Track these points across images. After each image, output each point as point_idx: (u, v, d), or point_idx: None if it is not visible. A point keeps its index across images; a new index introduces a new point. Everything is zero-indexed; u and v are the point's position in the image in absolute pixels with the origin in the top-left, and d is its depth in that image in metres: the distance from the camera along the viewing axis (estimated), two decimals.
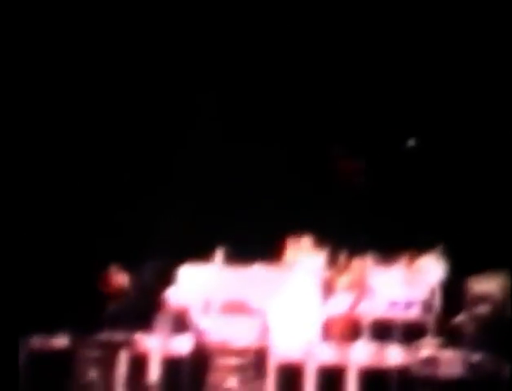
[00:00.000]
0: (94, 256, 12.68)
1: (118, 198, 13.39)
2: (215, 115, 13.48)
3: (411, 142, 13.59)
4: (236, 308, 11.88)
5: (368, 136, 13.63)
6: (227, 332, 11.69)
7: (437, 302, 11.97)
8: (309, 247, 11.94)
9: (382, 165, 13.63)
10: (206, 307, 11.96)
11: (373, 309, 11.98)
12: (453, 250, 12.16)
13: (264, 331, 11.65)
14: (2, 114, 12.91)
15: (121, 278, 12.40)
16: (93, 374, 11.66)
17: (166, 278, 12.26)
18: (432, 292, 12.01)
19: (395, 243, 12.33)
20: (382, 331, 11.78)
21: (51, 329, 11.84)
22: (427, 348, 11.32)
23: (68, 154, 13.30)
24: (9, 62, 12.82)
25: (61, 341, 11.83)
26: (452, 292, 11.97)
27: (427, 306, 11.96)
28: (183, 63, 13.34)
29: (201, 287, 12.05)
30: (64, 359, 11.65)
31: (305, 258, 11.87)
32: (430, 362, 11.18)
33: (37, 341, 11.87)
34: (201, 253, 12.01)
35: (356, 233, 12.43)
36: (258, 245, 11.86)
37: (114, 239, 12.89)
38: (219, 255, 12.05)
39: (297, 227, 12.07)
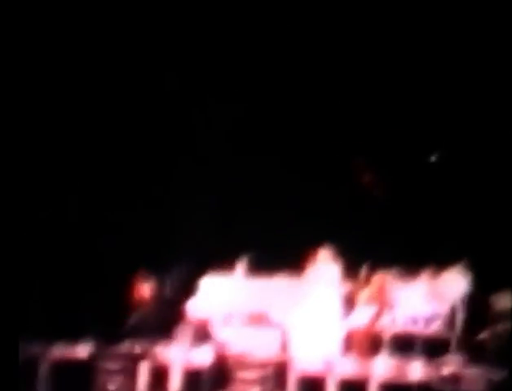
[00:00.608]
0: (117, 266, 12.74)
1: (144, 208, 13.44)
2: (238, 125, 13.52)
3: (436, 156, 13.52)
4: (257, 320, 11.87)
5: (392, 149, 13.59)
6: (248, 344, 11.68)
7: (460, 318, 11.89)
8: (329, 259, 11.91)
9: (406, 179, 13.59)
10: (227, 318, 11.98)
11: (395, 323, 11.94)
12: (477, 266, 12.08)
13: (285, 343, 11.64)
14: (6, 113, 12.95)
15: (144, 288, 12.44)
16: (114, 385, 11.71)
17: (188, 290, 12.29)
18: (455, 308, 11.92)
19: (417, 258, 12.28)
20: (404, 345, 11.70)
21: (73, 339, 11.90)
22: (450, 364, 11.24)
23: (97, 163, 13.38)
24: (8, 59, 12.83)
25: (82, 352, 11.89)
26: (476, 308, 11.89)
27: (450, 322, 11.88)
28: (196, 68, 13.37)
29: (223, 299, 12.06)
30: (85, 370, 11.71)
31: (325, 270, 11.84)
32: (453, 378, 11.10)
33: (58, 351, 11.93)
34: (224, 264, 12.03)
35: (378, 246, 12.40)
36: (280, 256, 11.86)
37: (138, 249, 12.94)
38: (242, 265, 12.07)
39: (320, 239, 12.05)
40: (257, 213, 13.14)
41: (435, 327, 11.86)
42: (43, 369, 11.72)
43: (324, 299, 11.70)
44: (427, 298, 12.05)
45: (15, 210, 12.83)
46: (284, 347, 11.64)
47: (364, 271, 12.16)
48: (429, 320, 11.91)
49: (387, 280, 12.04)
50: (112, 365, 11.73)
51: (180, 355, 11.71)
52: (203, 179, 13.45)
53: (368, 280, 12.12)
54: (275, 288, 11.93)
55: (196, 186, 13.48)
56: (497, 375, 10.96)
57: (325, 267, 11.96)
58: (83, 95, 13.24)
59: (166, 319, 12.12)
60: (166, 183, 13.59)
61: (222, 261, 12.03)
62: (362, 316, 11.96)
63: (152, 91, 13.39)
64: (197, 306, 12.14)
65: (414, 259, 12.22)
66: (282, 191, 13.21)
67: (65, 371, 11.67)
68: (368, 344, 11.77)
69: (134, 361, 11.72)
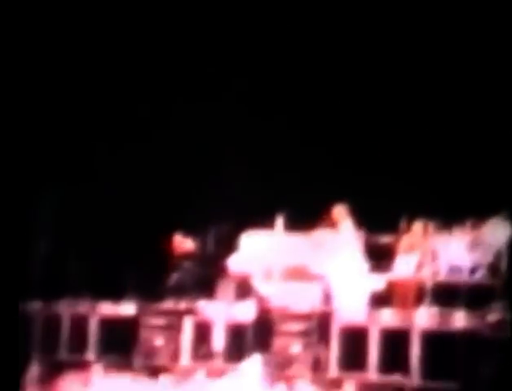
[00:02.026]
0: (159, 224, 12.85)
1: (183, 167, 13.50)
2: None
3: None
4: (298, 273, 11.90)
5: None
6: (290, 298, 11.73)
7: (504, 265, 11.77)
8: (345, 214, 11.90)
9: (446, 130, 13.43)
10: (269, 273, 12.03)
11: (438, 273, 11.87)
12: None
13: (327, 295, 11.66)
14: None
15: (186, 246, 12.54)
16: (159, 340, 11.86)
17: (229, 246, 12.35)
18: (498, 256, 11.81)
19: (460, 208, 12.16)
20: (447, 295, 11.64)
21: (119, 297, 12.09)
22: (495, 312, 11.15)
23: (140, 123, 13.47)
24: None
25: (128, 309, 12.07)
26: None
27: (494, 270, 11.78)
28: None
29: (263, 254, 12.12)
30: (131, 326, 11.88)
31: (346, 225, 11.83)
32: (498, 325, 11.02)
33: (105, 309, 12.13)
34: (263, 220, 12.06)
35: (419, 197, 12.30)
36: (315, 212, 11.86)
37: (179, 207, 13.02)
38: (280, 222, 12.09)
39: (358, 191, 12.03)
40: (293, 170, 13.13)
41: (479, 276, 11.76)
42: (92, 326, 11.94)
43: (358, 251, 11.69)
44: (470, 247, 11.94)
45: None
46: (326, 299, 11.66)
47: (404, 222, 12.09)
48: (472, 269, 11.81)
49: (428, 228, 11.96)
50: (156, 321, 11.89)
51: (223, 311, 11.82)
52: (243, 140, 13.46)
53: (408, 230, 12.05)
54: (313, 242, 11.93)
55: (234, 145, 13.49)
56: None
57: (345, 222, 11.95)
58: None
59: (208, 276, 12.22)
60: (204, 142, 13.63)
61: (261, 217, 12.06)
62: (404, 266, 11.92)
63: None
64: (239, 262, 12.21)
65: (456, 209, 12.10)
66: (316, 147, 13.16)
67: (112, 327, 11.88)
68: (411, 294, 11.73)
69: (178, 317, 11.87)
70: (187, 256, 12.46)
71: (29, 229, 12.60)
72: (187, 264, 12.39)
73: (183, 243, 12.50)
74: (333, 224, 11.98)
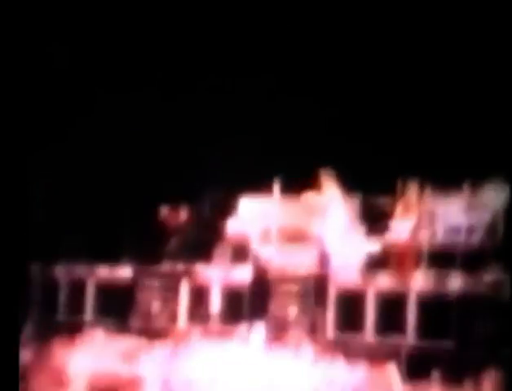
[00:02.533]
0: (155, 190, 12.85)
1: (177, 135, 13.49)
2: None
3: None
4: (294, 237, 11.91)
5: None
6: (287, 261, 11.75)
7: (501, 227, 11.76)
8: (333, 178, 11.92)
9: (446, 94, 13.37)
10: (265, 237, 12.04)
11: (435, 236, 11.86)
12: None
13: (323, 258, 11.68)
14: None
15: (181, 212, 12.55)
16: (155, 303, 11.90)
17: (225, 210, 12.36)
18: (495, 218, 11.80)
19: (458, 170, 12.14)
20: (444, 257, 11.65)
21: (116, 260, 12.12)
22: (491, 272, 11.15)
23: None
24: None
25: (125, 272, 12.10)
26: None
27: (491, 232, 11.77)
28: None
29: (260, 218, 12.13)
30: (129, 288, 11.93)
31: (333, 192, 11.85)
32: (495, 285, 11.03)
33: (103, 272, 12.17)
34: (259, 185, 12.05)
35: (415, 160, 12.28)
36: (308, 177, 11.87)
37: (174, 173, 13.02)
38: (276, 186, 12.08)
39: (352, 155, 12.03)
40: (289, 136, 13.10)
41: (476, 238, 11.75)
42: (90, 289, 11.99)
43: (344, 214, 11.70)
44: (468, 209, 11.92)
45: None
46: (322, 262, 11.68)
47: (400, 184, 12.07)
48: (470, 230, 11.80)
49: (425, 191, 11.94)
50: (154, 283, 11.93)
51: (220, 273, 11.85)
52: (237, 110, 13.43)
53: (404, 193, 12.03)
54: (308, 206, 11.94)
55: (232, 114, 13.47)
56: None
57: (331, 187, 11.96)
58: None
59: (205, 239, 12.23)
60: (200, 111, 13.60)
61: (257, 182, 12.06)
62: (400, 229, 11.91)
63: None
64: (235, 226, 12.23)
65: (454, 172, 12.07)
66: (311, 112, 13.12)
67: (109, 290, 11.93)
68: (408, 256, 11.73)
69: (175, 279, 11.90)
70: (184, 222, 12.48)
71: (28, 195, 12.61)
72: (184, 229, 12.42)
73: (181, 209, 12.52)
74: (319, 188, 12.00)
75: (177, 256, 12.18)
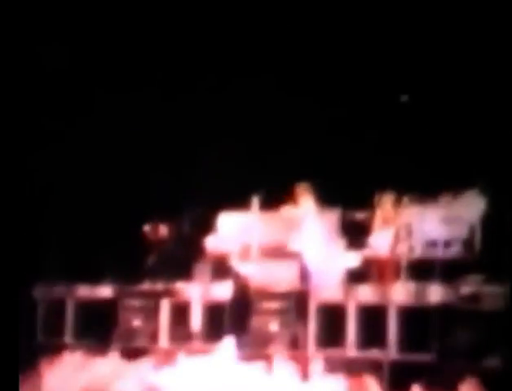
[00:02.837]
0: (135, 208, 12.86)
1: (156, 152, 13.52)
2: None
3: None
4: (274, 252, 11.95)
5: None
6: (267, 277, 11.78)
7: (478, 239, 11.86)
8: (308, 191, 12.00)
9: (422, 105, 13.47)
10: (245, 253, 12.07)
11: (413, 248, 11.95)
12: (493, 186, 12.01)
13: (303, 273, 11.72)
14: None
15: (160, 230, 12.56)
16: (137, 322, 11.89)
17: (205, 227, 12.38)
18: (473, 230, 11.90)
19: (434, 182, 12.24)
20: (423, 270, 11.74)
21: (96, 280, 12.11)
22: (469, 285, 11.25)
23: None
24: None
25: (105, 291, 12.09)
26: (493, 229, 11.84)
27: (468, 244, 11.87)
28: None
29: (239, 234, 12.15)
30: (109, 308, 11.91)
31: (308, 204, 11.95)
32: (473, 298, 11.13)
33: (83, 291, 12.15)
34: (237, 201, 12.10)
35: (393, 172, 12.36)
36: (286, 192, 11.95)
37: (153, 190, 13.04)
38: (255, 202, 12.12)
39: (329, 167, 12.12)
40: (267, 152, 13.16)
41: (454, 250, 11.85)
42: (69, 309, 11.97)
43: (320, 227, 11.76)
44: (445, 221, 12.02)
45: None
46: (303, 277, 11.72)
47: (377, 197, 12.15)
48: (447, 243, 11.89)
49: (401, 203, 12.03)
50: (134, 302, 11.93)
51: (200, 291, 11.86)
52: (214, 124, 13.47)
53: (381, 204, 12.10)
54: (287, 221, 11.99)
55: (210, 130, 13.50)
56: None
57: (306, 200, 12.06)
58: None
59: (185, 257, 12.25)
60: (180, 128, 13.63)
61: (235, 198, 12.11)
62: (379, 242, 11.98)
63: None
64: (215, 243, 12.25)
65: (431, 183, 12.17)
66: (287, 126, 13.18)
67: (90, 309, 11.91)
68: (387, 269, 11.81)
69: (155, 298, 11.90)
70: (164, 238, 12.48)
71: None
72: (164, 246, 12.42)
73: (160, 226, 12.53)
74: (297, 203, 12.08)
75: (156, 273, 12.19)
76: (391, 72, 13.14)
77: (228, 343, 11.16)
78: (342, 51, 13.10)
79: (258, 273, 11.82)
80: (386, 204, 12.01)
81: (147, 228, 12.47)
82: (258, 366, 11.24)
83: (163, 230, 12.53)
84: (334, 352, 11.25)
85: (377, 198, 12.09)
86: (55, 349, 11.76)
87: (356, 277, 11.72)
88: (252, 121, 13.16)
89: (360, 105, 13.21)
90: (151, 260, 12.36)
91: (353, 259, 11.75)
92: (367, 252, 11.93)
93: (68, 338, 11.97)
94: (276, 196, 11.97)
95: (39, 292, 12.31)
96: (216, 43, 13.50)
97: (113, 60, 13.54)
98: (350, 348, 11.22)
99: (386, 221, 11.96)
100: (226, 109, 13.32)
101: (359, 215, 12.15)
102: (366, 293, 11.44)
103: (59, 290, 12.19)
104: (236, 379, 10.82)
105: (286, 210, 12.15)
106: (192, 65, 13.67)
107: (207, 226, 12.29)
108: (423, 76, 13.05)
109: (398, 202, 12.01)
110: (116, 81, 13.58)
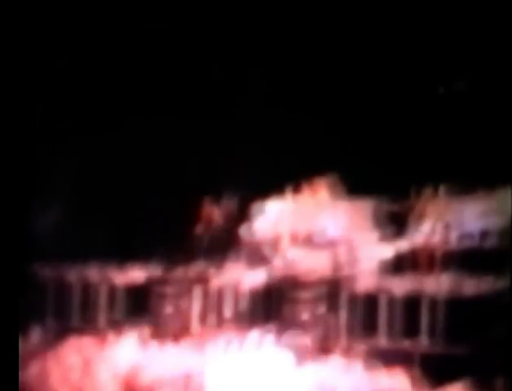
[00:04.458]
0: (170, 193, 12.91)
1: (197, 139, 13.52)
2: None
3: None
4: (307, 241, 11.93)
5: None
6: (300, 265, 11.76)
7: None
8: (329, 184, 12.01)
9: (462, 99, 13.33)
10: (279, 241, 12.06)
11: (449, 239, 11.84)
12: None
13: (337, 263, 11.67)
14: None
15: (199, 216, 12.60)
16: (170, 308, 11.94)
17: (241, 215, 12.40)
18: (508, 222, 11.75)
19: (472, 174, 12.11)
20: (458, 262, 11.63)
21: (130, 265, 12.18)
22: (504, 277, 11.12)
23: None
24: None
25: (139, 277, 12.15)
26: None
27: (504, 236, 11.73)
28: None
29: (273, 223, 12.15)
30: (142, 294, 11.98)
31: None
32: (508, 290, 11.00)
33: (117, 277, 12.23)
34: (271, 190, 12.10)
35: (431, 165, 12.26)
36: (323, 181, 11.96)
37: (192, 178, 13.06)
38: (289, 191, 12.12)
39: (371, 159, 12.05)
40: (303, 141, 13.13)
41: (490, 242, 11.72)
42: (102, 294, 12.05)
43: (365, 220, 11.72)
44: (482, 214, 11.90)
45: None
46: (336, 266, 11.68)
47: (416, 189, 12.06)
48: (483, 235, 11.77)
49: (440, 196, 11.93)
50: (168, 289, 11.97)
51: (235, 278, 11.87)
52: (252, 113, 13.48)
53: (420, 197, 12.02)
54: (322, 210, 11.95)
55: (247, 119, 13.51)
56: None
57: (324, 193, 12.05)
58: None
59: (221, 243, 12.27)
60: (220, 117, 13.65)
61: (270, 187, 12.10)
62: (415, 234, 11.89)
63: None
64: (250, 230, 12.26)
65: (468, 176, 12.04)
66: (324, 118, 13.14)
67: (122, 295, 11.98)
68: (423, 261, 11.72)
69: (189, 284, 11.93)
70: (201, 225, 12.52)
71: (41, 194, 12.72)
72: (200, 232, 12.46)
73: (197, 213, 12.57)
74: (329, 192, 12.07)
75: (192, 259, 12.23)
76: (431, 61, 13.01)
77: (259, 331, 11.17)
78: (378, 40, 13.01)
79: (291, 261, 11.80)
80: (423, 196, 11.93)
81: (184, 215, 12.53)
82: (289, 355, 11.24)
83: (199, 217, 12.58)
84: (366, 342, 11.19)
85: (415, 190, 12.01)
86: (88, 331, 11.88)
87: (390, 267, 11.65)
88: (289, 110, 13.13)
89: (402, 97, 13.10)
90: (187, 246, 12.38)
91: (387, 250, 11.67)
92: (403, 243, 11.86)
93: (101, 322, 12.07)
94: (310, 186, 11.94)
95: (73, 276, 12.43)
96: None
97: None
98: (383, 338, 11.15)
99: (423, 213, 11.87)
100: (261, 100, 13.31)
101: (395, 206, 12.07)
102: (400, 284, 11.37)
103: (92, 275, 12.29)
104: (267, 367, 10.83)
105: (320, 200, 12.11)
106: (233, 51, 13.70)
107: (242, 215, 12.31)
108: (465, 67, 12.91)
109: (435, 194, 11.92)
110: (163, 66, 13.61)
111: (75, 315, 12.09)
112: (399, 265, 11.75)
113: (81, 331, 11.51)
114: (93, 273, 12.18)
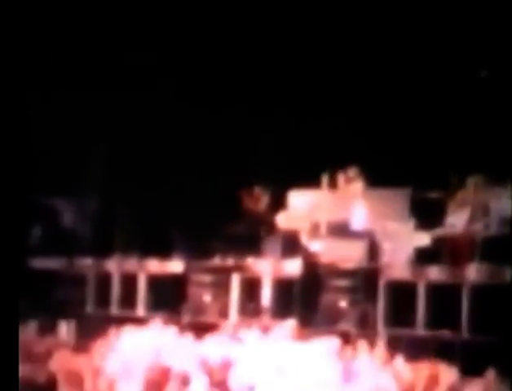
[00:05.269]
0: (208, 183, 12.98)
1: (231, 128, 13.56)
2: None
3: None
4: (344, 230, 11.89)
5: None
6: (337, 254, 11.74)
7: None
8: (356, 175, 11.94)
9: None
10: (315, 230, 12.04)
11: (488, 227, 11.70)
12: None
13: (373, 251, 11.62)
14: None
15: (236, 204, 12.64)
16: (207, 297, 12.02)
17: (277, 204, 12.40)
18: None
19: (507, 163, 11.94)
20: (497, 250, 11.48)
21: (167, 254, 12.29)
22: None
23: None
24: None
25: (176, 266, 12.25)
26: None
27: None
28: None
29: (310, 211, 12.13)
30: (179, 284, 12.07)
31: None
32: None
33: (154, 266, 12.34)
34: (307, 179, 12.09)
35: (466, 153, 12.13)
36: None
37: (229, 166, 13.10)
38: (325, 180, 12.09)
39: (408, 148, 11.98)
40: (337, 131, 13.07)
41: None
42: (140, 283, 12.18)
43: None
44: None
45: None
46: (372, 255, 11.63)
47: (454, 177, 11.93)
48: None
49: (479, 184, 11.79)
50: (205, 278, 12.05)
51: (271, 267, 11.90)
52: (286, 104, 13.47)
53: (459, 185, 11.89)
54: (359, 199, 11.91)
55: (281, 109, 13.49)
56: None
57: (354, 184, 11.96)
58: None
59: (256, 232, 12.30)
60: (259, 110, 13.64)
61: (306, 175, 12.09)
62: (454, 222, 11.78)
63: None
64: (286, 219, 12.26)
65: (508, 164, 11.88)
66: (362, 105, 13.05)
67: (160, 284, 12.09)
68: (462, 249, 11.60)
69: (226, 273, 11.99)
70: (237, 213, 12.56)
71: (79, 186, 12.88)
72: (236, 221, 12.50)
73: (234, 202, 12.61)
74: (350, 182, 12.03)
75: (228, 248, 12.27)
76: (469, 47, 12.84)
77: (293, 320, 11.19)
78: (404, 31, 12.90)
79: (327, 250, 11.78)
80: (464, 185, 11.81)
81: (222, 204, 12.59)
82: (326, 344, 11.22)
83: (236, 206, 12.61)
84: (403, 331, 11.14)
85: (452, 178, 11.89)
86: (128, 321, 12.01)
87: (427, 256, 11.56)
88: (324, 99, 13.08)
89: (439, 85, 12.96)
90: (223, 234, 12.43)
91: (424, 238, 11.59)
92: (440, 232, 11.75)
93: (139, 311, 12.20)
94: (345, 175, 11.92)
95: (113, 266, 12.57)
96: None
97: None
98: (420, 328, 11.09)
99: (461, 202, 11.75)
100: (295, 89, 13.29)
101: (432, 194, 11.96)
102: (437, 272, 11.27)
103: (131, 264, 12.42)
104: (301, 356, 10.83)
105: (354, 188, 12.07)
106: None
107: (279, 204, 12.32)
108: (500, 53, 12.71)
109: (476, 183, 11.78)
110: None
111: (115, 305, 12.27)
112: (438, 253, 11.66)
113: (121, 320, 11.65)
114: (132, 263, 12.33)
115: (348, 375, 10.01)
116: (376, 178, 12.01)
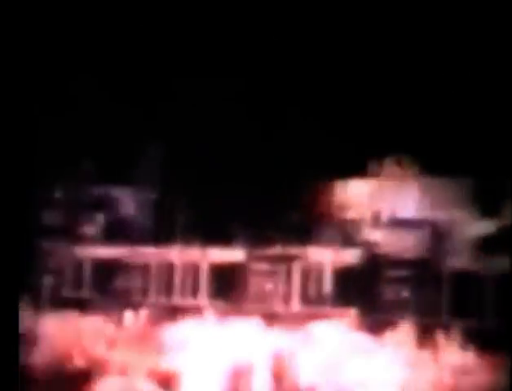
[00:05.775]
0: (266, 175, 12.98)
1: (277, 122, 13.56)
2: None
3: None
4: (404, 220, 11.84)
5: None
6: (397, 244, 11.69)
7: None
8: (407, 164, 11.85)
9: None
10: (375, 220, 12.01)
11: None
12: None
13: (434, 241, 11.55)
14: None
15: (300, 195, 12.67)
16: (269, 285, 12.07)
17: (333, 195, 12.39)
18: None
19: None
20: None
21: (228, 243, 12.34)
22: None
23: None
24: None
25: (237, 255, 12.31)
26: None
27: None
28: None
29: (370, 201, 12.10)
30: (241, 271, 12.13)
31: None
32: None
33: (215, 255, 12.42)
34: (361, 171, 12.08)
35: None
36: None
37: (279, 160, 13.10)
38: (386, 171, 12.05)
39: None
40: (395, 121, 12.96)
41: None
42: (201, 271, 12.26)
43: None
44: None
45: None
46: (433, 245, 11.56)
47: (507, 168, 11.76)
48: None
49: None
50: (266, 266, 12.10)
51: (331, 256, 11.90)
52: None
53: None
54: (418, 189, 11.85)
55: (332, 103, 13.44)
56: None
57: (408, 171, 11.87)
58: None
59: (316, 222, 12.30)
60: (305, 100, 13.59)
61: (360, 167, 12.08)
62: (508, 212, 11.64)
63: None
64: (345, 210, 12.24)
65: None
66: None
67: (222, 273, 12.16)
68: None
69: (287, 262, 12.03)
70: (298, 204, 12.58)
71: (141, 176, 12.99)
72: (296, 211, 12.52)
73: (296, 193, 12.64)
74: (404, 174, 11.96)
75: (288, 237, 12.29)
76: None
77: (356, 309, 11.20)
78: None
79: (387, 240, 11.74)
80: None
81: (281, 194, 12.62)
82: (386, 334, 11.21)
83: (298, 196, 12.63)
84: (469, 322, 11.05)
85: (507, 168, 11.73)
86: (190, 309, 12.11)
87: (491, 245, 11.44)
88: (375, 90, 12.99)
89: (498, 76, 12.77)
90: (282, 224, 12.45)
91: (487, 226, 11.48)
92: (503, 220, 11.62)
93: (202, 299, 12.30)
94: (399, 166, 11.87)
95: (175, 255, 12.67)
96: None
97: None
98: (485, 318, 11.00)
99: None
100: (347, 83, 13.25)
101: (486, 185, 11.82)
102: (500, 262, 11.16)
103: (193, 253, 12.51)
104: (362, 344, 10.84)
105: (408, 180, 11.99)
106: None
107: (334, 196, 12.32)
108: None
109: None
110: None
111: (177, 294, 12.38)
112: (491, 244, 11.54)
113: (183, 309, 11.76)
114: (194, 252, 12.43)
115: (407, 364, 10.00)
116: (437, 168, 11.91)
